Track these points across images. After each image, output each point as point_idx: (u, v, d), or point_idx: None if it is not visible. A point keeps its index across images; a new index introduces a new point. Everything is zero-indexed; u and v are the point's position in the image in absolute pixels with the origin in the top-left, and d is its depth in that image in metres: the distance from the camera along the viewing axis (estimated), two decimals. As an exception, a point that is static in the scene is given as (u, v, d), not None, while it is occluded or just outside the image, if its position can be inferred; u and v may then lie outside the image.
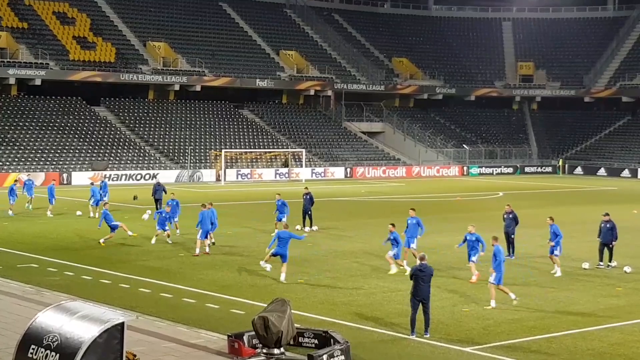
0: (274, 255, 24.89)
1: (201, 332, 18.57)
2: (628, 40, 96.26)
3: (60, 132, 67.97)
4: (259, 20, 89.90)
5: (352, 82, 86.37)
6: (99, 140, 68.35)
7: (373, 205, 51.34)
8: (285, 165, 72.75)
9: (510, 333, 19.24)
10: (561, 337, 18.86)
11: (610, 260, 28.06)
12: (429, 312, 18.81)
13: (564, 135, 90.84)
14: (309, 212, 36.44)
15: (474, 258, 24.63)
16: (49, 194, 40.85)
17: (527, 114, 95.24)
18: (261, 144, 75.41)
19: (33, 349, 12.55)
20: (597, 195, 59.29)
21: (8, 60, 69.94)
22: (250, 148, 73.83)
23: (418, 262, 19.24)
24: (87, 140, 67.93)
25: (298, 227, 35.96)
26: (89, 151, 66.45)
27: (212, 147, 71.88)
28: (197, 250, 29.26)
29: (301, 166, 71.49)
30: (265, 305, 17.21)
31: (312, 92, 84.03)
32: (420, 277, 18.75)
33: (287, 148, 74.93)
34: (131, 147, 68.90)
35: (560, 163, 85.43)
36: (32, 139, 65.81)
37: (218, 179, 67.37)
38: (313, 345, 16.96)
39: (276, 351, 16.21)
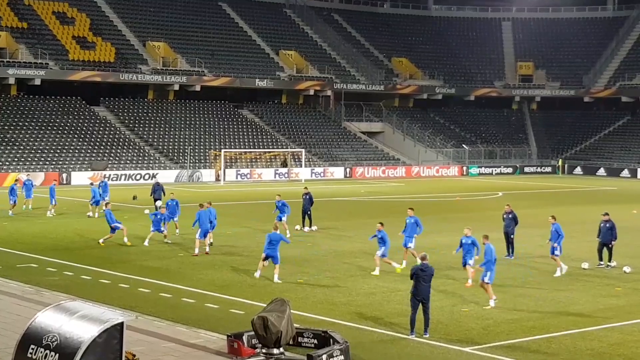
0: (264, 259, 24.88)
1: (200, 332, 18.57)
2: (628, 40, 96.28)
3: (59, 132, 67.97)
4: (259, 20, 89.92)
5: (351, 82, 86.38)
6: (98, 140, 68.35)
7: (372, 205, 51.33)
8: (284, 165, 72.74)
9: (509, 333, 19.24)
10: (561, 337, 18.86)
11: (609, 260, 28.06)
12: (428, 312, 18.81)
13: (564, 135, 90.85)
14: (309, 212, 36.45)
15: (470, 262, 24.44)
16: (51, 194, 40.85)
17: (527, 114, 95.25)
18: (261, 144, 75.41)
19: (32, 348, 12.55)
20: (596, 195, 59.30)
21: (8, 60, 69.93)
22: (250, 148, 73.83)
23: (419, 261, 19.23)
24: (87, 140, 67.93)
25: (297, 227, 35.99)
26: (89, 151, 66.45)
27: (212, 147, 71.88)
28: (196, 250, 29.26)
29: (301, 166, 71.48)
30: (265, 305, 17.20)
31: (311, 92, 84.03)
32: (422, 277, 18.74)
33: (287, 148, 74.93)
34: (131, 147, 68.90)
35: (560, 163, 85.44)
36: (32, 139, 65.80)
37: (217, 179, 67.36)
38: (312, 345, 16.95)
39: (275, 351, 16.20)
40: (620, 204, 50.22)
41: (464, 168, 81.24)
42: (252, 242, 32.17)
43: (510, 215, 30.13)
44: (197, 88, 77.77)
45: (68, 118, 70.16)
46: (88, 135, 68.55)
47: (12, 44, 71.30)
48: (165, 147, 70.87)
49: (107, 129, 70.78)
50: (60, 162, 63.80)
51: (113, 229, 31.01)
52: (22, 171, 58.91)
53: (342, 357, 16.16)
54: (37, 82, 70.40)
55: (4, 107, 68.58)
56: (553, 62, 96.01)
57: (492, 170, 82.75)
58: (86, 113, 72.13)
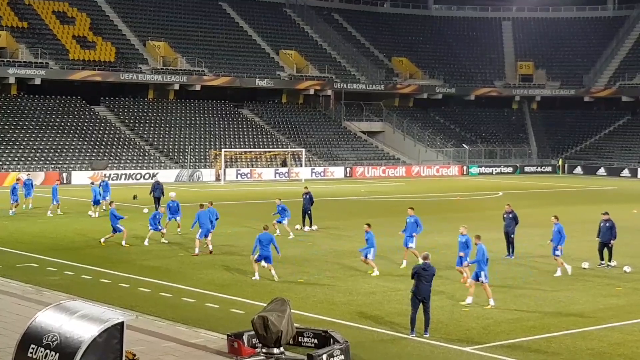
0: (257, 260, 24.90)
1: (201, 332, 18.57)
2: (628, 40, 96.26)
3: (60, 131, 67.96)
4: (259, 20, 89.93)
5: (351, 82, 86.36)
6: (98, 139, 68.35)
7: (373, 204, 51.34)
8: (284, 164, 72.73)
9: (510, 333, 19.24)
10: (561, 337, 18.86)
11: (609, 260, 28.06)
12: (429, 311, 18.82)
13: (564, 135, 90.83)
14: (309, 212, 36.47)
15: (465, 262, 24.37)
16: (53, 195, 40.86)
17: (527, 113, 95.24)
18: (261, 143, 75.41)
19: (33, 348, 12.56)
20: (596, 195, 59.29)
21: (8, 59, 69.92)
22: (250, 147, 73.83)
23: (421, 261, 19.25)
24: (87, 139, 67.93)
25: (298, 226, 36.00)
26: (89, 151, 66.46)
27: (212, 146, 71.88)
28: (197, 250, 29.27)
29: (301, 166, 71.48)
30: (265, 304, 17.21)
31: (311, 92, 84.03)
32: (423, 276, 18.76)
33: (287, 148, 74.93)
34: (131, 147, 68.91)
35: (560, 163, 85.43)
36: (32, 139, 65.81)
37: (218, 179, 67.35)
38: (312, 345, 16.96)
39: (276, 351, 16.21)
40: (621, 203, 50.21)
41: (464, 168, 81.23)
42: (252, 242, 32.00)
43: (510, 215, 30.13)
44: (198, 88, 77.78)
45: (68, 118, 70.17)
46: (88, 135, 68.55)
47: (12, 43, 71.30)
48: (166, 147, 70.87)
49: (108, 128, 70.78)
50: (61, 162, 63.80)
51: (115, 230, 31.04)
52: (23, 171, 58.91)
53: (342, 356, 16.16)
54: (38, 81, 70.40)
55: (4, 107, 68.58)
56: (553, 62, 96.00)
57: (492, 170, 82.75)
58: (86, 113, 72.13)
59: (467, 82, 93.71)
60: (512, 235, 29.83)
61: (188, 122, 75.40)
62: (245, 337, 16.80)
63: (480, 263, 21.57)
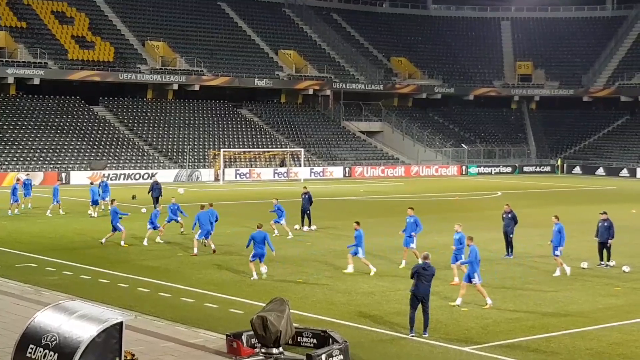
0: (252, 260, 24.93)
1: (200, 332, 18.56)
2: (627, 40, 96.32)
3: (58, 131, 67.94)
4: (258, 20, 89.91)
5: (350, 82, 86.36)
6: (97, 139, 68.33)
7: (372, 204, 51.34)
8: (282, 164, 72.73)
9: (509, 332, 19.24)
10: (560, 337, 18.85)
11: (608, 260, 28.05)
12: (428, 311, 18.81)
13: (563, 135, 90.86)
14: (308, 212, 36.47)
15: (461, 261, 24.30)
16: (54, 194, 40.84)
17: (526, 113, 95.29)
18: (260, 143, 75.41)
19: (32, 348, 12.54)
20: (595, 195, 59.30)
21: (6, 59, 69.90)
22: (249, 147, 73.82)
23: (421, 260, 19.26)
24: (86, 139, 67.91)
25: (297, 226, 36.00)
26: (88, 151, 66.43)
27: (211, 146, 71.87)
28: (195, 250, 29.27)
29: (300, 166, 71.48)
30: (264, 304, 17.20)
31: (310, 92, 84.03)
32: (423, 276, 18.76)
33: (286, 147, 74.93)
34: (130, 147, 68.89)
35: (559, 162, 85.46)
36: (31, 139, 65.78)
37: (217, 179, 67.34)
38: (312, 345, 16.94)
39: (275, 351, 16.20)
40: (619, 203, 50.24)
41: (463, 167, 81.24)
42: (252, 242, 32.13)
43: (509, 215, 30.12)
44: (196, 88, 77.76)
45: (67, 118, 70.15)
46: (87, 135, 68.53)
47: (11, 43, 71.28)
48: (165, 147, 70.86)
49: (106, 128, 70.76)
50: (60, 162, 63.77)
51: (115, 228, 31.04)
52: (22, 171, 58.90)
53: (341, 356, 16.15)
54: (36, 81, 70.36)
55: (2, 107, 68.55)
56: (552, 62, 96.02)
57: (491, 170, 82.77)
58: (85, 113, 72.11)
59: (466, 82, 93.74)
60: (511, 235, 29.83)
61: (187, 122, 75.39)
62: (244, 337, 16.79)
63: (473, 264, 21.56)
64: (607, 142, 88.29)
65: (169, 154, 69.99)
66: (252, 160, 72.53)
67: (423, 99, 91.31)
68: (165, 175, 63.03)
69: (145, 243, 31.28)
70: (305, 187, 38.37)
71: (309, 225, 36.39)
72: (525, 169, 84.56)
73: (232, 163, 70.72)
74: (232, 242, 32.02)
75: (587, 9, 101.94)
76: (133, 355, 14.63)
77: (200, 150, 71.34)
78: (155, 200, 40.49)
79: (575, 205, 49.81)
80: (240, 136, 75.68)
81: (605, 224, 28.11)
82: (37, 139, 65.97)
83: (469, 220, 38.27)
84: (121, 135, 70.47)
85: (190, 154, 69.29)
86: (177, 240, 32.58)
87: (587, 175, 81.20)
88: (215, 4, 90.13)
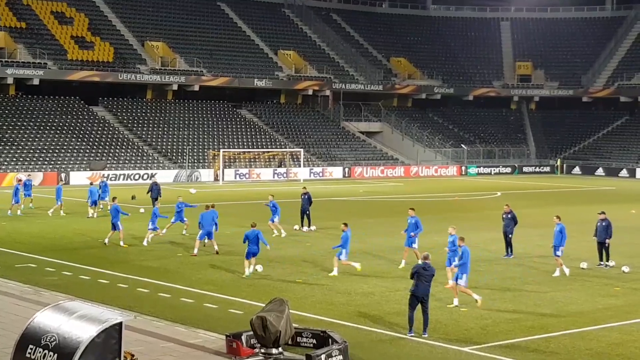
0: (247, 258, 24.99)
1: (199, 332, 18.56)
2: (626, 40, 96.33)
3: (58, 132, 67.93)
4: (258, 20, 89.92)
5: (350, 82, 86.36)
6: (97, 140, 68.32)
7: (371, 205, 51.34)
8: (281, 165, 72.72)
9: (508, 333, 19.24)
10: (559, 337, 18.86)
11: (607, 260, 28.05)
12: (427, 311, 18.82)
13: (562, 135, 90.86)
14: (307, 212, 36.45)
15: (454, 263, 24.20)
16: (57, 195, 40.84)
17: (525, 113, 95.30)
18: (259, 143, 75.41)
19: (31, 348, 12.55)
20: (595, 195, 59.30)
21: (6, 60, 69.87)
22: (249, 148, 73.81)
23: (421, 261, 19.26)
24: (86, 140, 67.90)
25: (296, 227, 36.00)
26: (87, 151, 66.42)
27: (211, 147, 71.86)
28: (195, 250, 29.26)
29: (299, 166, 71.48)
30: (264, 305, 17.20)
31: (310, 92, 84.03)
32: (423, 276, 18.77)
33: (286, 148, 74.93)
34: (129, 147, 68.87)
35: (558, 163, 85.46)
36: (30, 139, 65.76)
37: (216, 179, 67.33)
38: (311, 345, 16.95)
39: (274, 351, 16.20)
40: (619, 203, 50.25)
41: (463, 168, 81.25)
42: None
43: (509, 215, 30.12)
44: (196, 88, 77.75)
45: (66, 118, 70.13)
46: (87, 135, 68.52)
47: (10, 43, 71.26)
48: (164, 147, 70.84)
49: (106, 128, 70.74)
50: (59, 162, 63.75)
51: (115, 226, 31.04)
52: (21, 171, 58.89)
53: (340, 357, 16.15)
54: (36, 82, 70.32)
55: (2, 107, 68.52)
56: (551, 62, 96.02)
57: (491, 170, 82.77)
58: (85, 113, 72.10)
59: (466, 83, 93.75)
60: (510, 235, 29.83)
61: (186, 122, 75.37)
62: (243, 338, 16.79)
63: (466, 265, 21.53)
64: (606, 143, 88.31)
65: (169, 154, 69.99)
66: (252, 160, 72.53)
67: (422, 99, 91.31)
68: (164, 176, 63.03)
69: (144, 243, 31.28)
70: (304, 188, 38.34)
71: (309, 226, 36.38)
72: (525, 169, 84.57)
73: (232, 163, 70.71)
74: (231, 243, 31.99)
75: (587, 10, 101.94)
76: (132, 355, 14.63)
77: (200, 150, 71.33)
78: (154, 201, 40.48)
79: (575, 206, 49.79)
80: (239, 136, 75.68)
81: (604, 224, 28.12)
82: (36, 140, 65.95)
83: (469, 221, 38.31)
84: (121, 136, 70.46)
85: (190, 154, 69.27)
86: (178, 240, 32.56)
87: (586, 175, 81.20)
88: (214, 4, 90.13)
